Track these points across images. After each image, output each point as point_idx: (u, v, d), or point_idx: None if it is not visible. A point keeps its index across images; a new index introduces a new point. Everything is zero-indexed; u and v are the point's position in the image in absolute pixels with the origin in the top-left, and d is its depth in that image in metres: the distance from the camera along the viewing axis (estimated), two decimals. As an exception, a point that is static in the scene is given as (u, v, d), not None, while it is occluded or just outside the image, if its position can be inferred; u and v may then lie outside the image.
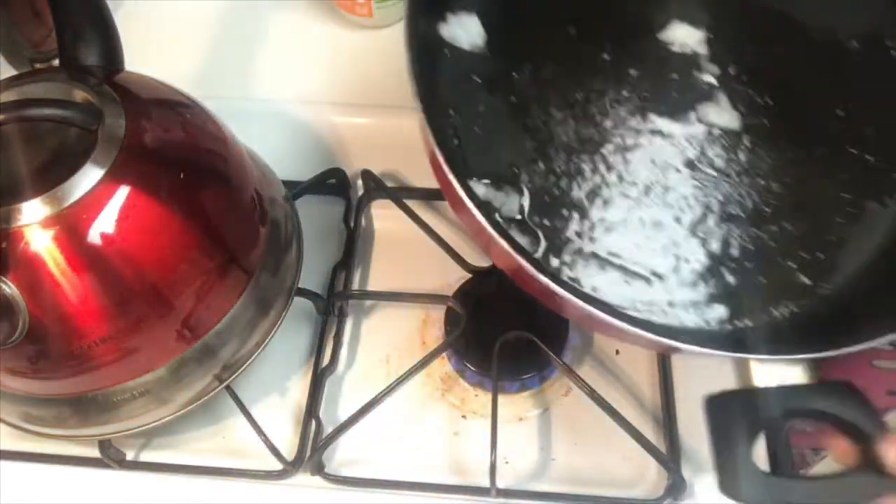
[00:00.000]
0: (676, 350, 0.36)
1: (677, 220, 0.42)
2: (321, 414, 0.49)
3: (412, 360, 0.48)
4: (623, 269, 0.41)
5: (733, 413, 0.34)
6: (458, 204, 0.36)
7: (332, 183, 0.57)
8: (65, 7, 0.41)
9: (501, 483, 0.45)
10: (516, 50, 0.46)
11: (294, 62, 0.65)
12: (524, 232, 0.42)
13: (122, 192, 0.39)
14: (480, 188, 0.42)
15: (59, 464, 0.47)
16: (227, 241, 0.44)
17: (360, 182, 0.57)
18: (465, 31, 0.46)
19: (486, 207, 0.41)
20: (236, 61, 0.66)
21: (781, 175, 0.44)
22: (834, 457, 0.35)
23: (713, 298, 0.41)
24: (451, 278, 0.52)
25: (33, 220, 0.37)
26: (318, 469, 0.46)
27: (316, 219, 0.56)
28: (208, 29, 0.68)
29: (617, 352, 0.51)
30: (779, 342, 0.37)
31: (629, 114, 0.45)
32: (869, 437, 0.33)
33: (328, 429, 0.48)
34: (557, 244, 0.41)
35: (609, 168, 0.44)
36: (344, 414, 0.48)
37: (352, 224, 0.56)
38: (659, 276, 0.41)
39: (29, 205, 0.38)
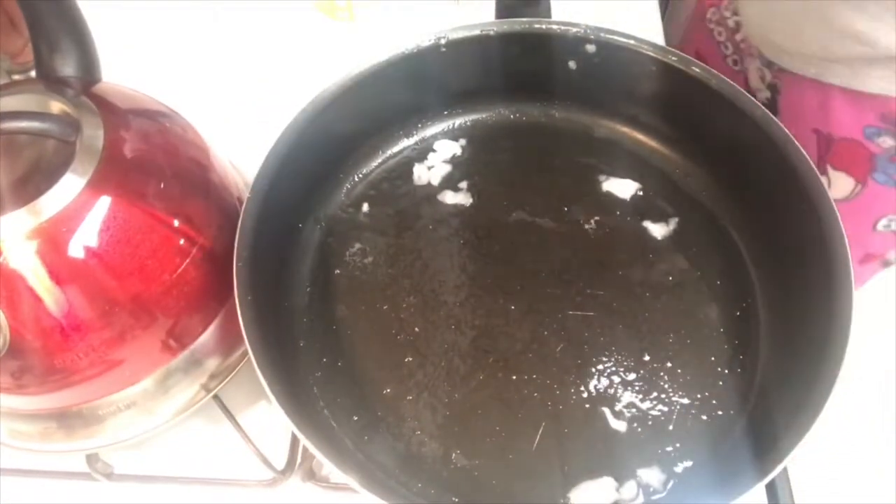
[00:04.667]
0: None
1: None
2: (311, 421, 0.48)
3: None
4: None
5: None
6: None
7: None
8: (41, 18, 0.41)
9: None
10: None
11: (274, 68, 0.66)
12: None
13: (103, 204, 0.39)
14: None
15: (47, 478, 0.47)
16: (210, 250, 0.44)
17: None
18: None
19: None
20: (215, 69, 0.66)
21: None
22: None
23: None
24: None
25: (12, 233, 0.37)
26: (310, 476, 0.46)
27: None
28: (185, 38, 0.68)
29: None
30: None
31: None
32: None
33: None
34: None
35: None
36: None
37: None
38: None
39: (8, 217, 0.37)
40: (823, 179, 0.57)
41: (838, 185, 0.61)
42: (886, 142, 0.57)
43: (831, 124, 0.58)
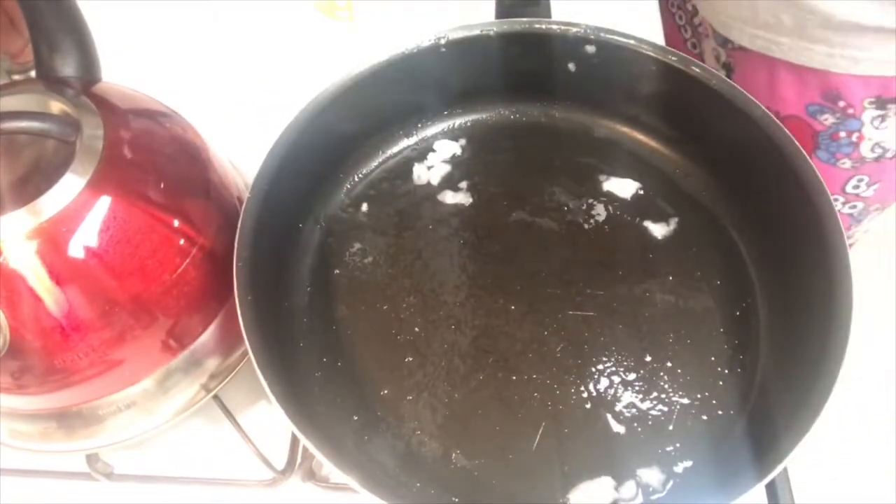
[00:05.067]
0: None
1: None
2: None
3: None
4: None
5: None
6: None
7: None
8: (41, 18, 0.41)
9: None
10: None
11: (274, 68, 0.66)
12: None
13: (103, 203, 0.39)
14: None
15: (47, 478, 0.47)
16: (210, 250, 0.44)
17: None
18: None
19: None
20: (215, 69, 0.66)
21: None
22: None
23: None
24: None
25: (12, 233, 0.37)
26: (310, 476, 0.46)
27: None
28: (185, 38, 0.68)
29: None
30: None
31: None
32: None
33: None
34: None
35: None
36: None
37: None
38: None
39: (8, 217, 0.37)
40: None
41: None
42: (828, 119, 0.58)
43: (778, 102, 0.59)
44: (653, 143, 0.57)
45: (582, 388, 0.47)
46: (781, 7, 0.54)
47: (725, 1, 0.60)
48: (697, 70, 0.51)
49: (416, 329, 0.49)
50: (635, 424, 0.46)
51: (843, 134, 0.59)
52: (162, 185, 0.42)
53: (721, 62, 0.64)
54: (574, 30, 0.53)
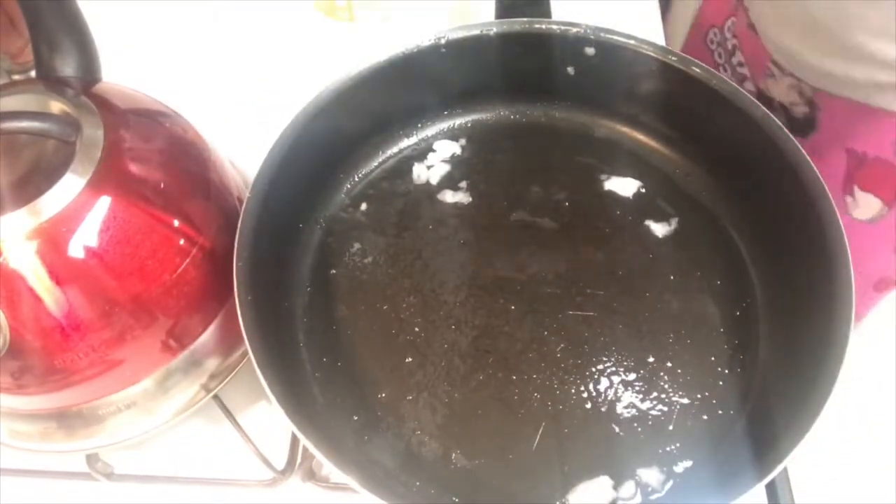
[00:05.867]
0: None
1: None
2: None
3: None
4: None
5: None
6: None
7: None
8: (41, 18, 0.41)
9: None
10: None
11: (274, 68, 0.66)
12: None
13: (103, 203, 0.39)
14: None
15: (47, 478, 0.47)
16: (210, 250, 0.44)
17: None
18: None
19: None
20: (215, 69, 0.66)
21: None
22: None
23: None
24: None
25: (12, 233, 0.37)
26: (310, 476, 0.46)
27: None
28: (185, 38, 0.68)
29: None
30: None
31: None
32: None
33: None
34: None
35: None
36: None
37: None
38: None
39: (8, 217, 0.37)
40: (849, 200, 0.56)
41: (864, 206, 0.60)
42: None
43: (866, 142, 0.57)
44: (653, 143, 0.57)
45: (582, 388, 0.47)
46: (855, 63, 0.52)
47: (799, 52, 0.57)
48: (697, 70, 0.51)
49: (416, 329, 0.49)
50: (635, 424, 0.46)
51: None
52: (162, 185, 0.42)
53: (806, 98, 0.60)
54: (574, 30, 0.53)
